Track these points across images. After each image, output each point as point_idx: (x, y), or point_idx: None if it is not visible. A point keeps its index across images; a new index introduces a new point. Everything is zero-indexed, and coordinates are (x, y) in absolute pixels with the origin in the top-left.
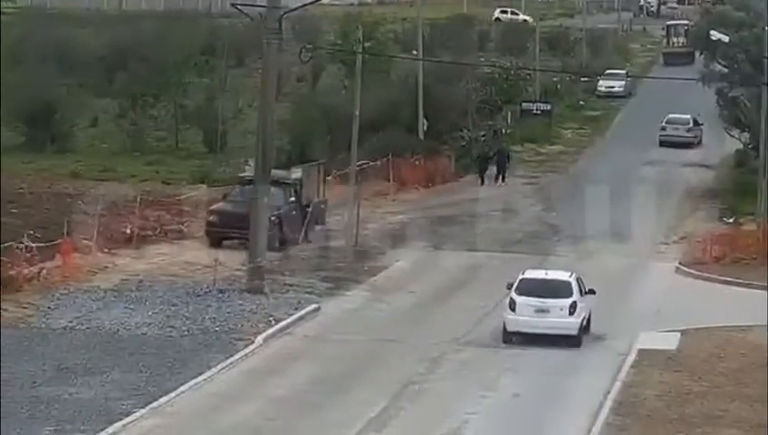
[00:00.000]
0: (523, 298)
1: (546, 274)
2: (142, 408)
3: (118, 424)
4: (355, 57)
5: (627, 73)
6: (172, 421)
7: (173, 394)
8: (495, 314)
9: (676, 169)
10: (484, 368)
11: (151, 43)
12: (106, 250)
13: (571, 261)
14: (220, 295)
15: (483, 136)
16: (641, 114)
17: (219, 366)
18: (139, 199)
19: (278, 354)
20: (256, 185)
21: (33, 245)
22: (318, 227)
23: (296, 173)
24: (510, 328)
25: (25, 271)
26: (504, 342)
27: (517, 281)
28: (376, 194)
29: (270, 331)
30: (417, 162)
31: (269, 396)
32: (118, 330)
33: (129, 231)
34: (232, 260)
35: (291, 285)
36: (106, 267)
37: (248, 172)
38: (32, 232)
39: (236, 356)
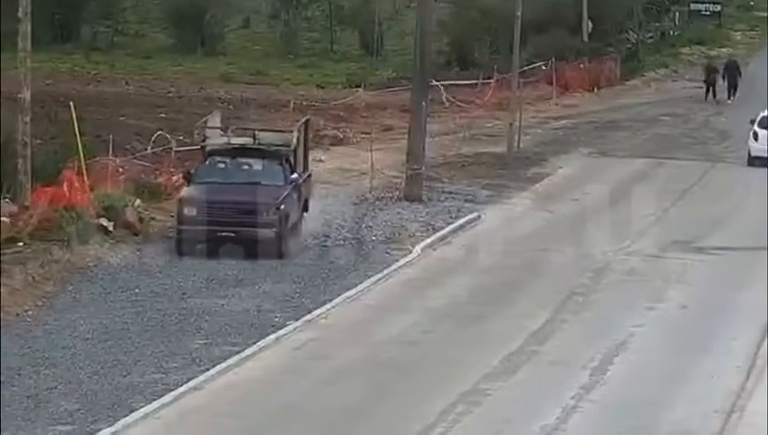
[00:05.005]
0: (764, 130)
1: None
2: (295, 320)
3: (270, 337)
4: None
5: None
6: (327, 334)
7: (328, 306)
8: (661, 223)
9: None
10: (650, 279)
11: None
12: None
13: (740, 167)
14: (377, 203)
15: (650, 38)
16: None
17: (375, 277)
18: (292, 104)
19: (436, 265)
20: (415, 87)
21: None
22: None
23: (294, 135)
24: (753, 153)
25: (174, 178)
26: (749, 165)
27: (759, 117)
28: (538, 98)
29: (428, 240)
30: (581, 65)
31: (427, 308)
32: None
33: None
34: (389, 166)
35: (450, 193)
36: None
37: (211, 140)
38: (181, 137)
39: (393, 266)
